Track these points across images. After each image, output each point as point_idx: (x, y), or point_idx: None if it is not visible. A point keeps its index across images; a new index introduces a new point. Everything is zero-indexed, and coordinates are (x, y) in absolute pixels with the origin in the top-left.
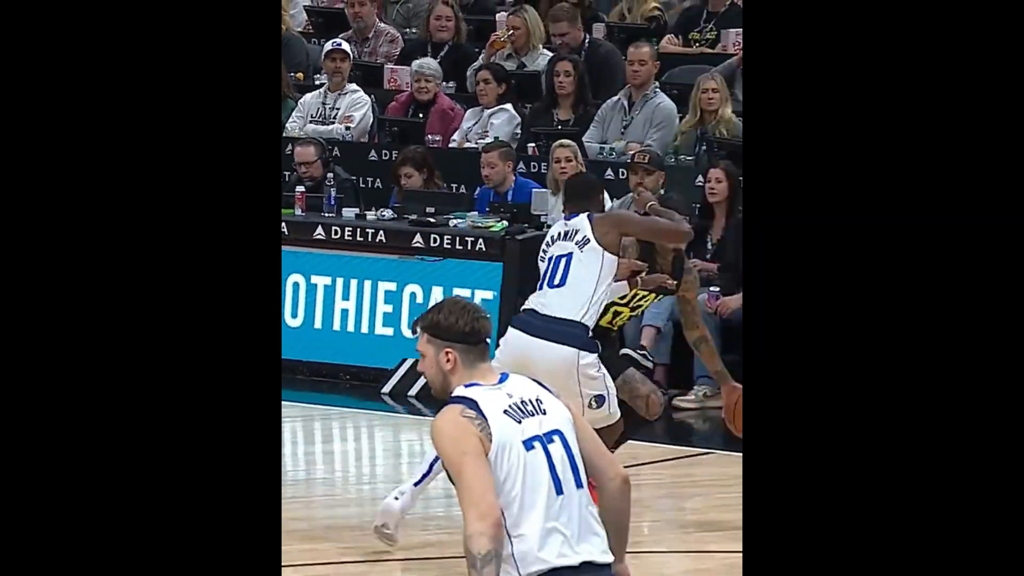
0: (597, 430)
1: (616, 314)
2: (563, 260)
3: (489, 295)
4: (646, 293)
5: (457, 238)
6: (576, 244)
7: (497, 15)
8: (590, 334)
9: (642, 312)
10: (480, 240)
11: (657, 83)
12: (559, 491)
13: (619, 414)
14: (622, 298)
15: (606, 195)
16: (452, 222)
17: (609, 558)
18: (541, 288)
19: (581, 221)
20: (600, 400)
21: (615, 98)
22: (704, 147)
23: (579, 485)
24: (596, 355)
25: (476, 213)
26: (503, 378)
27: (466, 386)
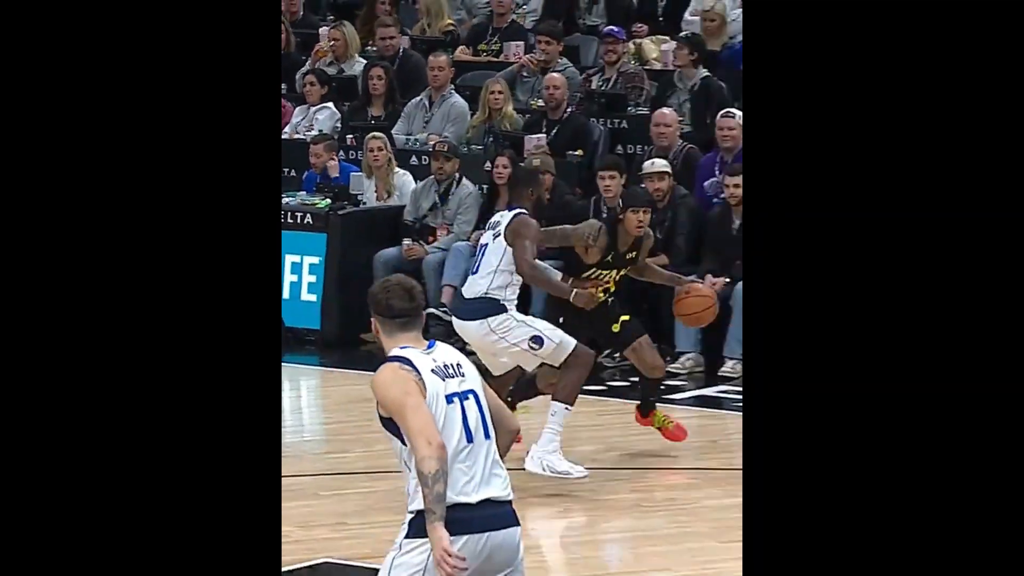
0: (566, 365)
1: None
2: (482, 249)
3: (316, 260)
4: (600, 271)
5: (289, 213)
6: (493, 235)
7: (320, 29)
8: (499, 299)
9: (612, 286)
10: (308, 215)
11: (453, 86)
12: (469, 440)
13: (572, 343)
14: (590, 275)
15: (546, 183)
16: (285, 200)
17: (510, 496)
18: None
19: (506, 215)
20: (538, 340)
21: (418, 98)
22: (491, 138)
23: (487, 436)
24: (504, 313)
25: (304, 192)
26: (431, 345)
27: (400, 348)
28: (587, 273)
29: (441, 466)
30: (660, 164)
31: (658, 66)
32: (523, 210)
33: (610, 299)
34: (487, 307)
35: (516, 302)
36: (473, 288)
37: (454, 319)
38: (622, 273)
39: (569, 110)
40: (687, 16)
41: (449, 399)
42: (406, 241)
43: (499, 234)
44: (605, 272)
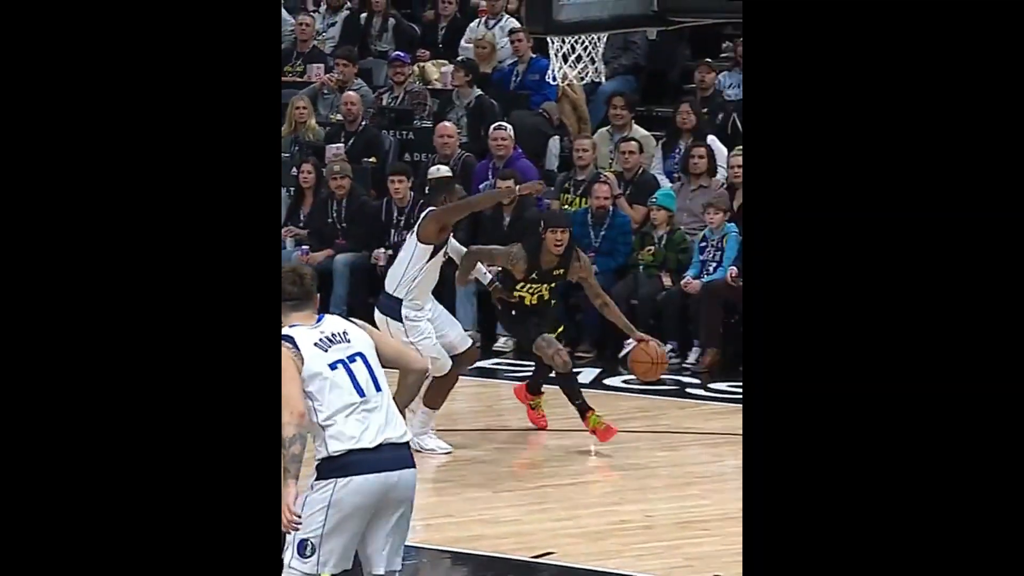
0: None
1: (520, 297)
2: (400, 246)
3: None
4: (529, 284)
5: None
6: (408, 233)
7: None
8: (400, 303)
9: (548, 293)
10: None
11: None
12: (361, 395)
13: (447, 364)
14: (520, 287)
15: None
16: None
17: (406, 439)
18: None
19: (422, 216)
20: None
21: None
22: (297, 147)
23: (378, 390)
24: (399, 324)
25: None
26: (319, 319)
27: (289, 326)
28: (516, 287)
29: (297, 431)
30: (443, 170)
31: (439, 86)
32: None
33: (552, 302)
34: (391, 307)
35: (420, 302)
36: (388, 282)
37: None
38: (553, 285)
39: (363, 123)
40: (463, 43)
41: (333, 366)
42: None
43: (412, 232)
44: (533, 286)
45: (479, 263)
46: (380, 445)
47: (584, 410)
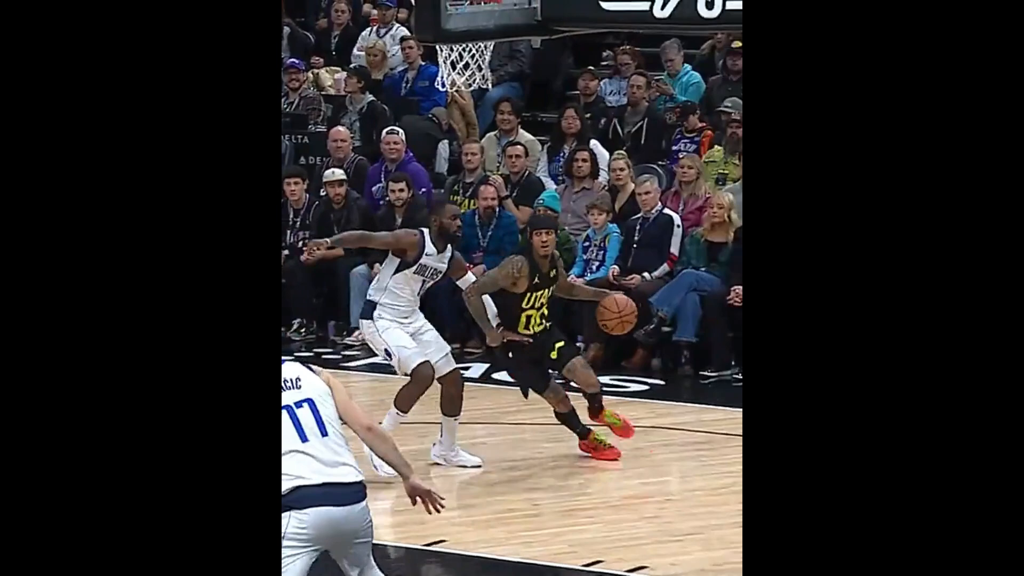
0: (412, 381)
1: (528, 318)
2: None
3: None
4: (533, 293)
5: None
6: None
7: None
8: (375, 306)
9: (545, 306)
10: None
11: None
12: (303, 439)
13: (416, 360)
14: (526, 303)
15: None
16: None
17: (353, 478)
18: None
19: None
20: (388, 354)
21: None
22: None
23: (324, 434)
24: (370, 321)
25: None
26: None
27: None
28: (523, 303)
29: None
30: (338, 173)
31: (332, 92)
32: (417, 232)
33: (547, 325)
34: (366, 311)
35: (397, 308)
36: (370, 287)
37: None
38: (550, 292)
39: None
40: (355, 51)
41: (285, 408)
42: None
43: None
44: (538, 294)
45: (486, 300)
46: (323, 484)
47: (585, 435)
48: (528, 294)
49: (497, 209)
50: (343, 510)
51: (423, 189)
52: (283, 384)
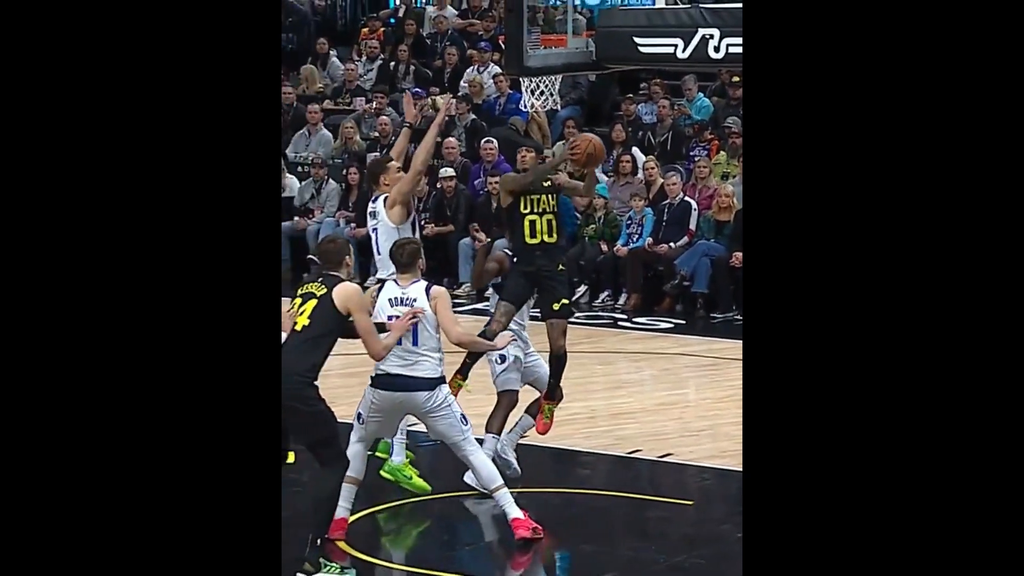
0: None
1: (532, 223)
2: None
3: None
4: (528, 197)
5: None
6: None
7: None
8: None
9: (555, 208)
10: None
11: (322, 123)
12: (399, 342)
13: (506, 387)
14: (524, 207)
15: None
16: None
17: (422, 373)
18: None
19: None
20: (503, 358)
21: (302, 130)
22: (346, 155)
23: (414, 342)
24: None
25: None
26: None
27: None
28: (521, 206)
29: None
30: (449, 171)
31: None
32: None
33: (557, 239)
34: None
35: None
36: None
37: None
38: (551, 201)
39: (393, 139)
40: (462, 83)
41: (390, 318)
42: (296, 218)
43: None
44: (534, 198)
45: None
46: (397, 374)
47: (551, 395)
48: (522, 198)
49: (557, 195)
50: (402, 395)
51: None
52: (401, 299)
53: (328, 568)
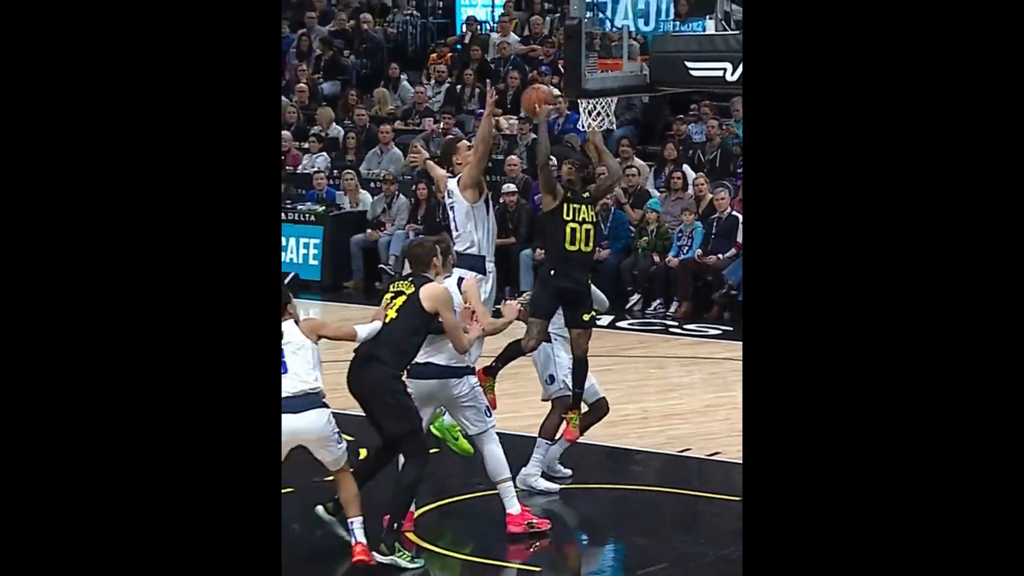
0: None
1: (573, 231)
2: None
3: (317, 240)
4: (570, 205)
5: (300, 214)
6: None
7: (317, 111)
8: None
9: (594, 220)
10: (312, 215)
11: (393, 142)
12: (283, 371)
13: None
14: (567, 215)
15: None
16: (298, 206)
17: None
18: None
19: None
20: (551, 379)
21: (375, 148)
22: (415, 172)
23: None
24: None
25: (310, 203)
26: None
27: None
28: (563, 213)
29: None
30: (511, 187)
31: (507, 132)
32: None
33: (593, 247)
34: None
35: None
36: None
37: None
38: (591, 210)
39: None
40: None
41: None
42: (368, 231)
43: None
44: (575, 207)
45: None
46: (426, 363)
47: (575, 405)
48: (564, 205)
49: (612, 209)
50: (435, 382)
51: None
52: None
53: (401, 554)
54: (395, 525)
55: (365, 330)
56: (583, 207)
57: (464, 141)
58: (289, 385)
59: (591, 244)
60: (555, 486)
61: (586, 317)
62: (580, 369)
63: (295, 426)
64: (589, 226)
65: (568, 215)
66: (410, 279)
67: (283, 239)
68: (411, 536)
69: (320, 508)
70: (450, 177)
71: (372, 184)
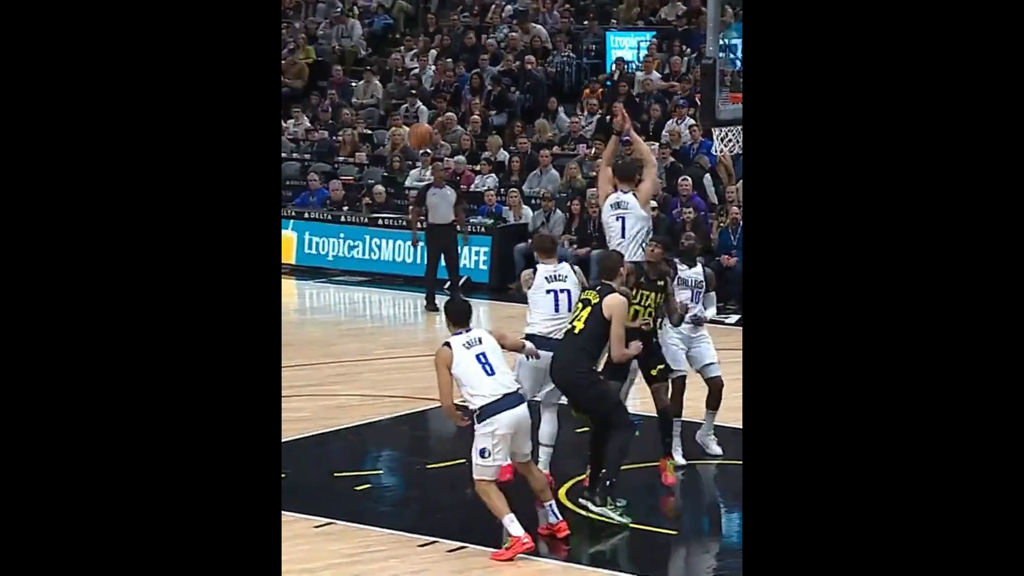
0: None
1: (636, 312)
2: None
3: (486, 248)
4: (640, 291)
5: (474, 227)
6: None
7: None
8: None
9: (655, 305)
10: (482, 227)
11: (551, 165)
12: (490, 373)
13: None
14: (635, 298)
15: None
16: (472, 220)
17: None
18: None
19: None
20: (669, 369)
21: (536, 171)
22: (571, 190)
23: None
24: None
25: (480, 216)
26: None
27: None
28: (634, 296)
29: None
30: (652, 203)
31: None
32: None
33: (654, 325)
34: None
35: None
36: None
37: None
38: (656, 300)
39: None
40: (664, 132)
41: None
42: (530, 240)
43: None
44: (644, 293)
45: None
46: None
47: (667, 452)
48: (636, 291)
49: (740, 222)
50: (550, 354)
51: (702, 211)
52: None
53: (612, 507)
54: (608, 483)
55: (529, 346)
56: (650, 295)
57: (651, 168)
58: (499, 384)
59: (649, 321)
60: (718, 449)
61: (654, 372)
62: (663, 421)
63: (517, 418)
64: (652, 309)
65: (636, 299)
66: (597, 288)
67: (459, 248)
68: (565, 501)
69: (583, 501)
70: (624, 192)
71: (533, 201)
